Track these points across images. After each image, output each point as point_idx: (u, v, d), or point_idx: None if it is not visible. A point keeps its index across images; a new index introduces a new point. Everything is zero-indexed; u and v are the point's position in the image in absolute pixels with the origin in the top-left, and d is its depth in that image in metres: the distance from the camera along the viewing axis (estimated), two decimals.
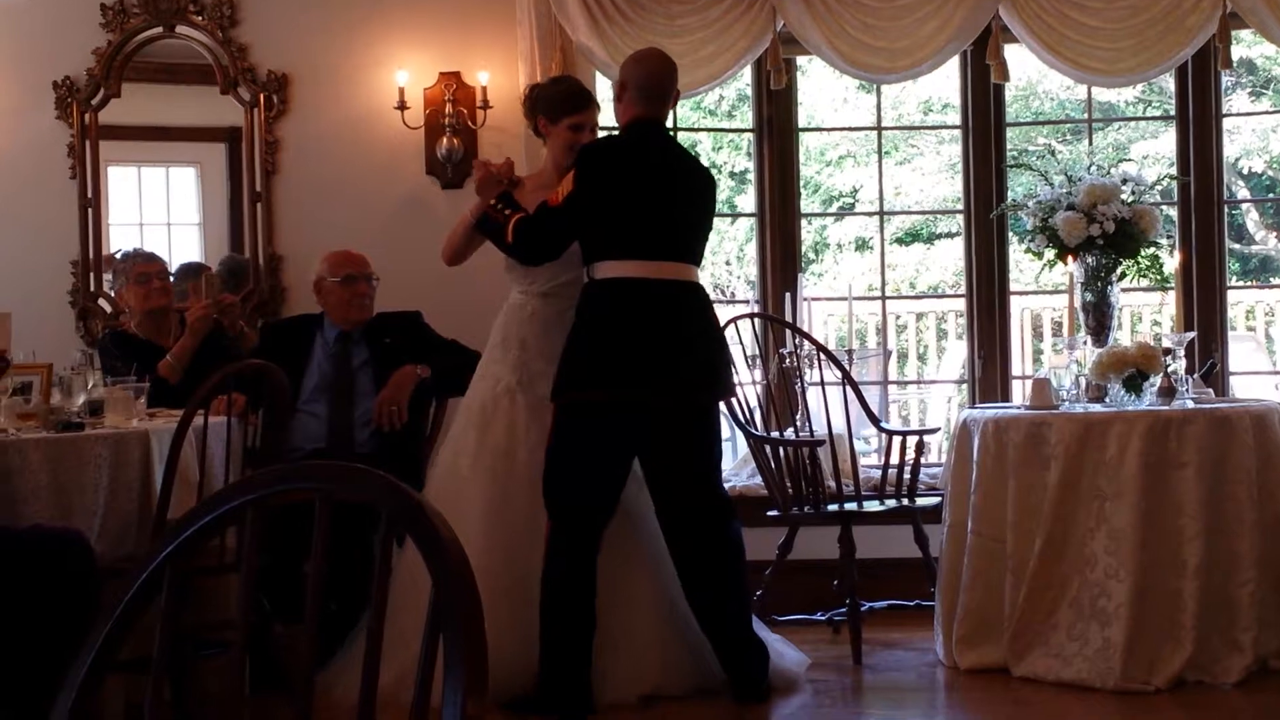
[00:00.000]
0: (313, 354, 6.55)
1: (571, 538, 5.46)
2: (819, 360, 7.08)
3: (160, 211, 7.92)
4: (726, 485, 7.65)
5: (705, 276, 14.08)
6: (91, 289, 7.48)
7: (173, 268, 7.16)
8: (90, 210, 7.47)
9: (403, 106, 7.33)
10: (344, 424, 6.42)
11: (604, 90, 8.02)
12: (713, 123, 13.77)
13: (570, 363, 5.53)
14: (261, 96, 7.46)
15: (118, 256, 7.25)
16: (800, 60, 8.05)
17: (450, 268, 6.24)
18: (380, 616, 1.90)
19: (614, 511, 5.57)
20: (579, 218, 5.56)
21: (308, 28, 7.53)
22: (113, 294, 7.31)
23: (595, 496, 5.51)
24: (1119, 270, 6.76)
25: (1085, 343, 6.54)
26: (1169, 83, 8.29)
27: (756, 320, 7.35)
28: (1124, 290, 7.00)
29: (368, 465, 1.94)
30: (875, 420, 7.19)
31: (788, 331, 7.18)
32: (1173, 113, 8.00)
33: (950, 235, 13.92)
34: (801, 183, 8.57)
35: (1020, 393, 7.63)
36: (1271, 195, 15.00)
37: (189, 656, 5.24)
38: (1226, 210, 7.97)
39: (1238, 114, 12.77)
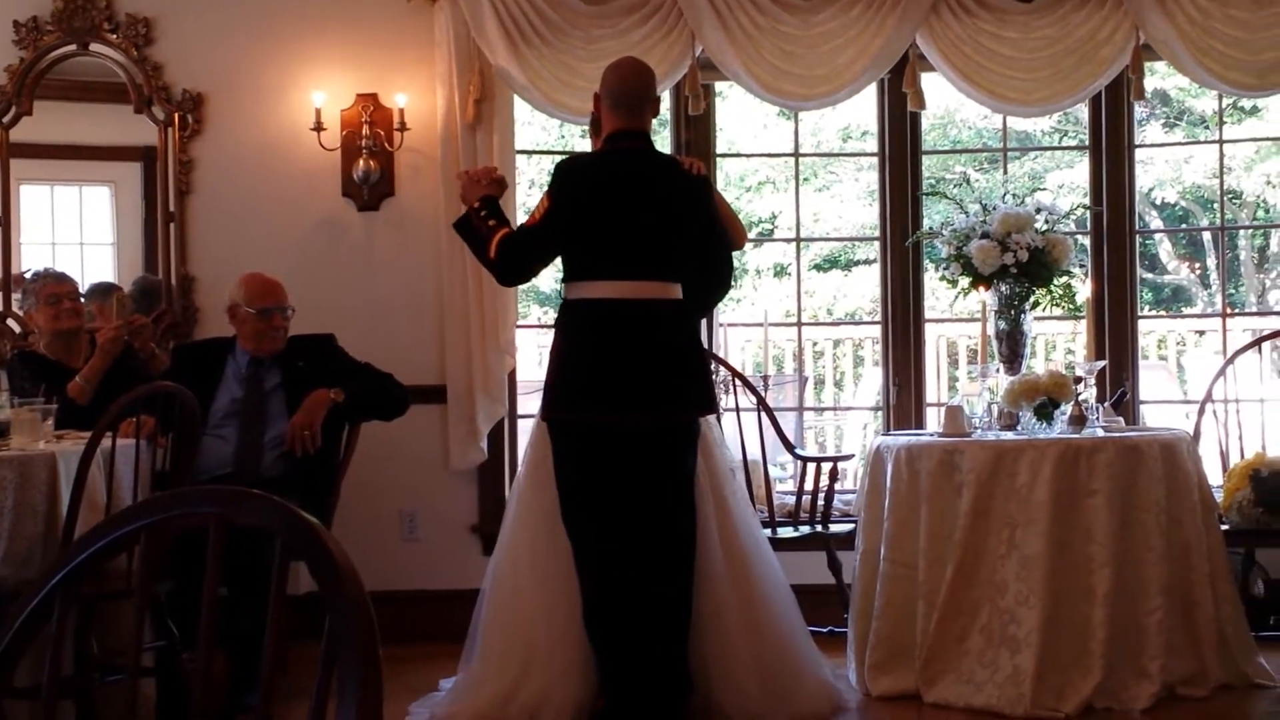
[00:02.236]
0: (224, 377, 6.49)
1: (589, 555, 5.45)
2: (735, 386, 7.09)
3: (73, 231, 7.84)
4: None
5: None
6: (0, 309, 7.38)
7: (85, 287, 7.07)
8: (1, 229, 7.38)
9: (319, 128, 7.29)
10: (252, 448, 6.36)
11: (522, 113, 8.04)
12: None
13: (551, 383, 5.51)
14: (176, 116, 7.40)
15: (27, 276, 7.16)
16: (719, 86, 8.06)
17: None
18: (277, 642, 1.87)
19: (629, 526, 5.43)
20: (550, 237, 5.49)
21: (223, 47, 7.48)
22: (21, 314, 7.22)
23: (598, 510, 5.44)
24: (1032, 299, 6.80)
25: (998, 370, 6.58)
26: (1084, 113, 8.36)
27: None
28: (1037, 319, 7.05)
29: (275, 490, 1.92)
30: (790, 446, 7.21)
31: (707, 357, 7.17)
32: (1087, 143, 8.07)
33: (867, 262, 13.98)
34: None
35: (935, 420, 7.66)
36: (1184, 226, 15.16)
37: (94, 682, 5.18)
38: (1139, 240, 8.05)
39: (1151, 145, 12.90)
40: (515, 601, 5.69)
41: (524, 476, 5.83)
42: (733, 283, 5.96)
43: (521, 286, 7.94)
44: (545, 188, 5.61)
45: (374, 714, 1.65)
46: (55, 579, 1.95)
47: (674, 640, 5.45)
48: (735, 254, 6.03)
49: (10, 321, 7.37)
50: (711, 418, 5.90)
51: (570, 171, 5.58)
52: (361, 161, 7.41)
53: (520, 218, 7.66)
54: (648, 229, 5.47)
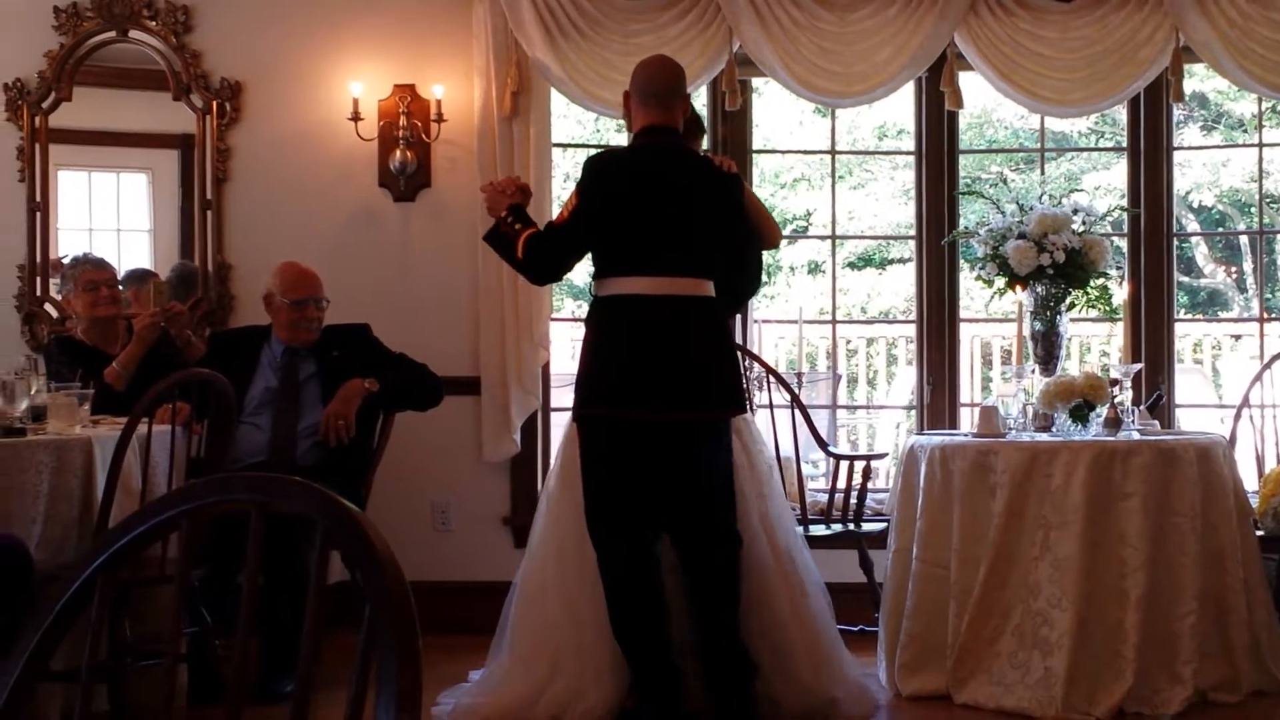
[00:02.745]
0: (259, 364, 6.51)
1: (615, 558, 5.40)
2: (769, 383, 7.08)
3: (110, 217, 7.87)
4: None
5: None
6: (38, 294, 7.42)
7: (122, 274, 7.10)
8: (39, 214, 7.42)
9: (356, 118, 7.30)
10: (287, 436, 6.37)
11: (559, 106, 8.04)
12: None
13: (581, 380, 5.46)
14: (214, 104, 7.42)
15: (65, 262, 7.19)
16: (756, 82, 8.06)
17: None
18: (316, 631, 1.87)
19: (655, 529, 5.44)
20: (580, 233, 5.44)
21: (262, 36, 7.49)
22: (60, 299, 7.26)
23: (626, 511, 5.40)
24: (1068, 300, 6.78)
25: (1033, 371, 6.55)
26: (1121, 114, 8.32)
27: None
28: (1073, 320, 7.02)
29: (309, 478, 1.92)
30: (823, 444, 7.19)
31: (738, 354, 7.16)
32: (1124, 144, 8.04)
33: (902, 261, 13.95)
34: None
35: (968, 420, 7.64)
36: (1221, 229, 15.09)
37: (128, 667, 5.20)
38: (1176, 243, 8.01)
39: (1189, 147, 12.86)
40: (544, 600, 5.68)
41: (555, 476, 5.81)
42: (763, 281, 5.91)
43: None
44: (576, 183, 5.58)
45: (413, 703, 1.65)
46: (97, 563, 1.95)
47: (729, 631, 5.42)
48: (768, 252, 6.00)
49: (48, 307, 7.40)
50: (748, 416, 5.88)
51: (599, 167, 5.55)
52: (398, 152, 7.42)
53: (556, 210, 7.68)
54: (679, 225, 5.43)
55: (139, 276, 7.30)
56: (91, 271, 6.68)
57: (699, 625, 5.46)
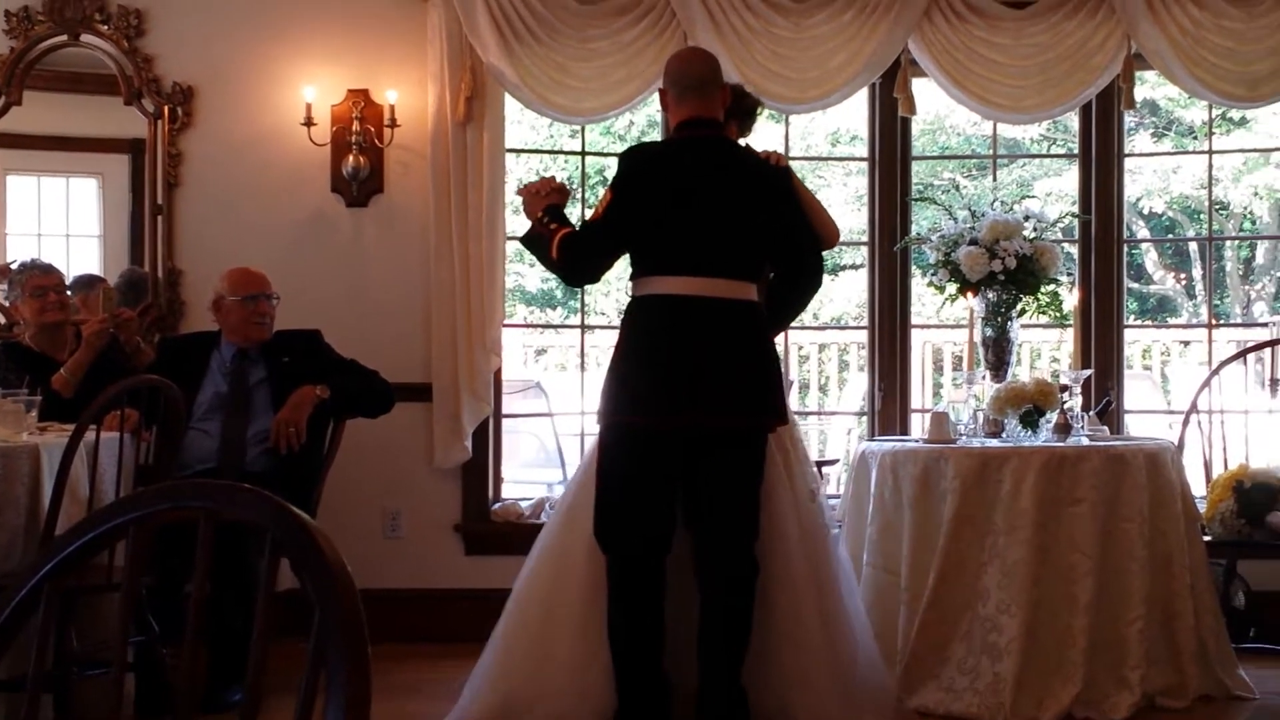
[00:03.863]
0: (209, 370, 6.48)
1: (626, 572, 5.17)
2: None
3: (60, 222, 7.82)
4: None
5: (610, 303, 14.14)
6: None
7: (70, 279, 7.06)
8: None
9: (309, 123, 7.28)
10: (236, 443, 6.34)
11: (513, 112, 8.03)
12: (621, 148, 13.78)
13: (611, 384, 5.20)
14: (166, 109, 7.38)
15: (13, 267, 7.14)
16: None
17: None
18: (264, 638, 1.86)
19: (669, 543, 5.19)
20: (617, 231, 5.19)
21: (215, 40, 7.46)
22: (7, 305, 7.20)
23: (644, 524, 5.16)
24: (1019, 306, 6.81)
25: (984, 377, 6.58)
26: (1073, 121, 8.36)
27: None
28: (1024, 326, 7.06)
29: (259, 485, 1.91)
30: None
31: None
32: (1076, 151, 8.08)
33: (854, 267, 14.00)
34: None
35: (920, 426, 7.66)
36: (1171, 236, 15.19)
37: (74, 676, 5.17)
38: (1126, 249, 8.05)
39: (1140, 154, 12.95)
40: (539, 613, 5.47)
41: (578, 486, 5.55)
42: (822, 282, 5.61)
43: (507, 285, 7.92)
44: (608, 180, 5.32)
45: (362, 711, 1.65)
46: (43, 571, 1.94)
47: (733, 658, 5.17)
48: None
49: None
50: (796, 431, 5.68)
51: (637, 160, 5.29)
52: (351, 157, 7.39)
53: (507, 219, 7.68)
54: (719, 223, 5.16)
55: (87, 282, 7.26)
56: (39, 277, 6.63)
57: (701, 656, 5.21)
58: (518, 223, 6.77)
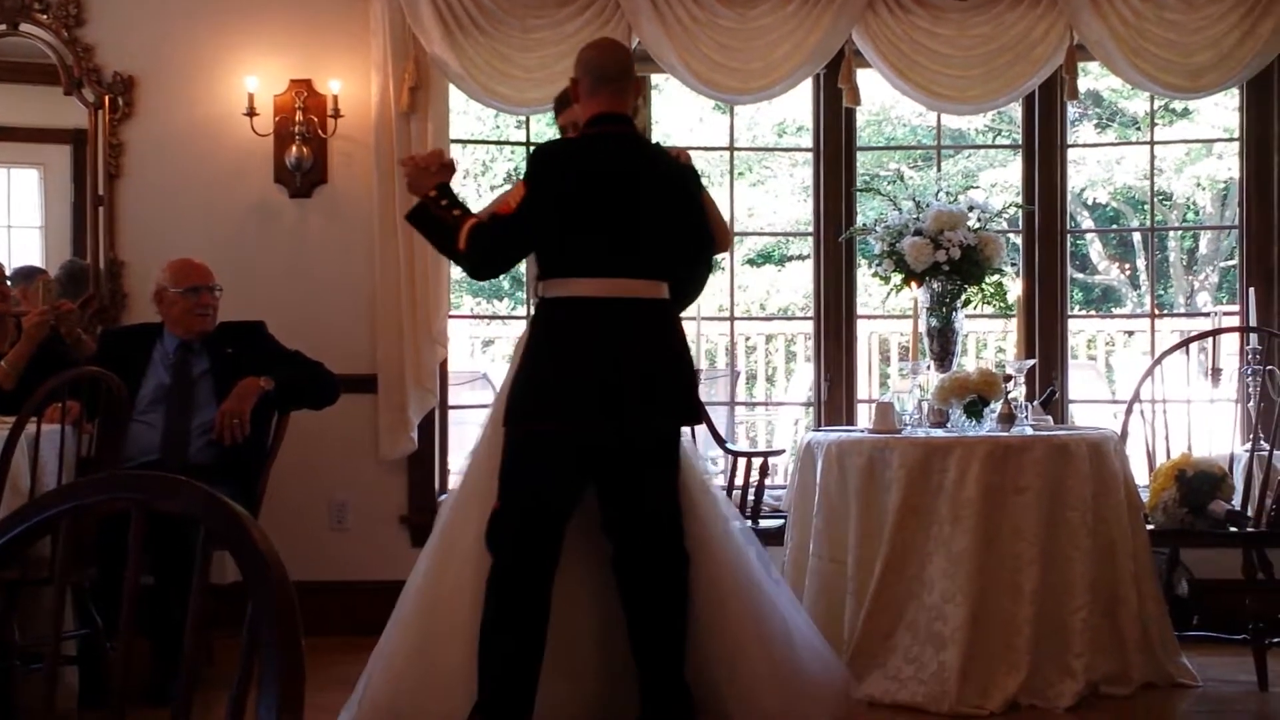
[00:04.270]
0: (151, 362, 6.44)
1: (516, 579, 4.98)
2: None
3: (0, 213, 7.75)
4: None
5: None
6: None
7: (10, 271, 7.00)
8: None
9: (252, 113, 7.24)
10: (179, 434, 6.30)
11: (457, 103, 8.00)
12: None
13: (522, 389, 5.04)
14: (107, 99, 7.33)
15: None
16: (655, 79, 8.06)
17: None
18: (199, 629, 1.85)
19: (561, 546, 5.05)
20: (531, 228, 5.00)
21: (156, 30, 7.41)
22: None
23: (544, 533, 5.01)
24: (964, 296, 6.83)
25: (929, 367, 6.60)
26: (1017, 112, 8.40)
27: None
28: (968, 316, 7.07)
29: (203, 477, 1.90)
30: (721, 441, 7.20)
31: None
32: (1020, 142, 8.11)
33: (801, 257, 14.02)
34: None
35: (866, 416, 7.68)
36: (1114, 226, 15.28)
37: (16, 669, 5.13)
38: (1070, 240, 8.10)
39: (1083, 145, 13.00)
40: (425, 616, 5.29)
41: (472, 484, 5.36)
42: (704, 288, 5.54)
43: (453, 276, 7.90)
44: (520, 174, 5.18)
45: (295, 703, 1.64)
46: None
47: (676, 655, 5.10)
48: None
49: None
50: (686, 431, 5.51)
51: (548, 159, 5.11)
52: (294, 148, 7.36)
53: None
54: (632, 223, 5.04)
55: (26, 274, 7.19)
56: None
57: (639, 657, 5.10)
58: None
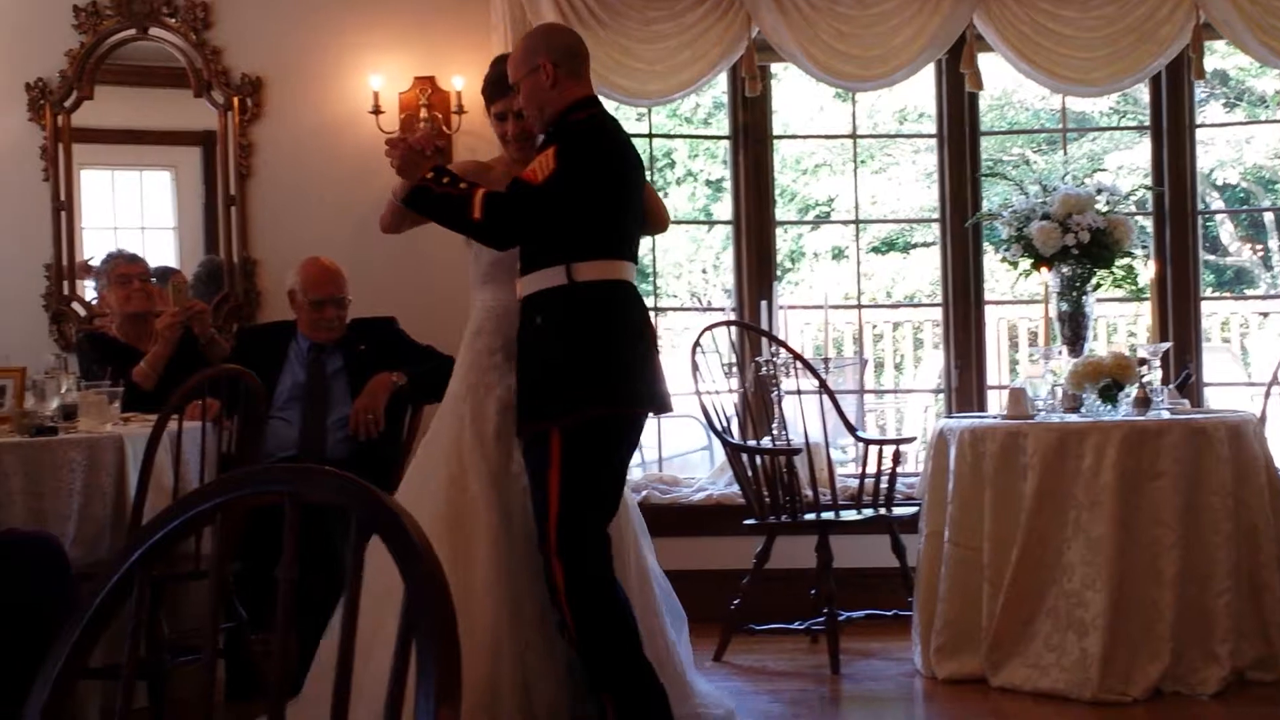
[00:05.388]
0: (287, 360, 6.51)
1: (597, 575, 4.78)
2: (795, 369, 7.06)
3: (135, 215, 7.88)
4: (703, 493, 7.67)
5: (682, 285, 14.14)
6: (65, 292, 7.43)
7: None
8: (63, 213, 7.42)
9: (377, 111, 7.30)
10: (316, 431, 6.38)
11: None
12: (688, 130, 13.78)
13: (576, 374, 4.82)
14: (235, 100, 7.42)
15: (92, 263, 7.22)
16: (775, 68, 8.03)
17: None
18: (352, 623, 1.87)
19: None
20: (565, 204, 4.78)
21: (281, 31, 7.50)
22: (94, 296, 7.28)
23: (609, 514, 4.91)
24: (1094, 280, 6.76)
25: (1061, 352, 6.54)
26: (1143, 93, 8.29)
27: (733, 328, 7.30)
28: (1099, 300, 7.01)
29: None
30: (852, 429, 7.18)
31: (764, 340, 7.15)
32: (1147, 123, 8.00)
33: (926, 244, 13.92)
34: (777, 191, 8.55)
35: (996, 402, 7.62)
36: (1245, 207, 15.03)
37: (166, 663, 5.20)
38: (1200, 221, 7.98)
39: (1211, 125, 12.80)
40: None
41: (442, 460, 5.16)
42: None
43: None
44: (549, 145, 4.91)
45: (453, 691, 1.65)
46: (133, 559, 1.94)
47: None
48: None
49: (75, 305, 7.41)
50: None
51: (590, 135, 4.92)
52: None
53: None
54: (638, 205, 5.04)
55: (161, 274, 7.31)
56: (124, 265, 6.72)
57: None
58: None
